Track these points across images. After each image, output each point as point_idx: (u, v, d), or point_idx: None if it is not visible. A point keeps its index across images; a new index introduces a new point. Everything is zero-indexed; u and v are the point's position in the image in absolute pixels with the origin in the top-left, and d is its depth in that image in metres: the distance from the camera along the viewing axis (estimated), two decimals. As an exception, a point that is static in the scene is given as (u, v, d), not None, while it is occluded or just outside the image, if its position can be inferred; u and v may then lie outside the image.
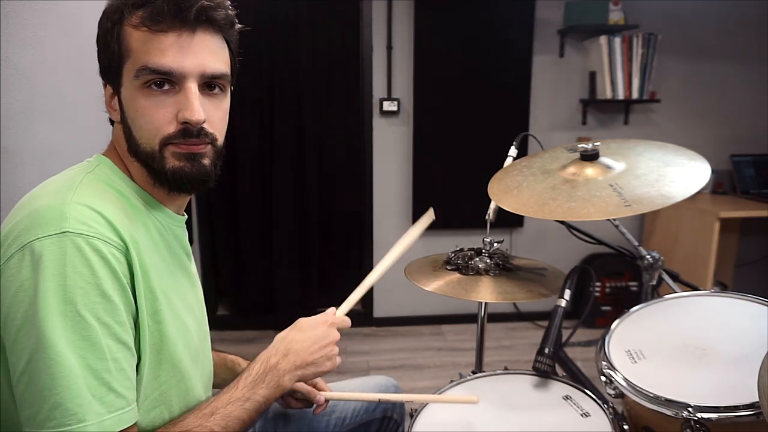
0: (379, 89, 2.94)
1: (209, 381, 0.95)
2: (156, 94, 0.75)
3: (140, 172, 0.80)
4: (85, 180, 0.74)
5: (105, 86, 0.80)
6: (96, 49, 0.79)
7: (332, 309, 0.99)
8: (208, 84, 0.78)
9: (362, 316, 3.15)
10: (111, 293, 0.67)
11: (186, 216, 0.90)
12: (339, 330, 0.96)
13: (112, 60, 0.76)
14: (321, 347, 0.90)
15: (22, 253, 0.65)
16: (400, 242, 1.07)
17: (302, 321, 0.93)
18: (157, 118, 0.75)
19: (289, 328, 0.93)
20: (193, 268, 0.93)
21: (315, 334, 0.91)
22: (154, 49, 0.73)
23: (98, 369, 0.65)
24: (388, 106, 2.93)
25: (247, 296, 3.12)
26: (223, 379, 1.06)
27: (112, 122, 0.83)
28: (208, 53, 0.76)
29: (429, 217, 1.17)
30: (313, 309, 3.12)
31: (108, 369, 0.66)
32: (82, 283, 0.65)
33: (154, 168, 0.77)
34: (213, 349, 1.07)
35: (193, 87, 0.75)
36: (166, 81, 0.74)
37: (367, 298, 3.14)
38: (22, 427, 0.65)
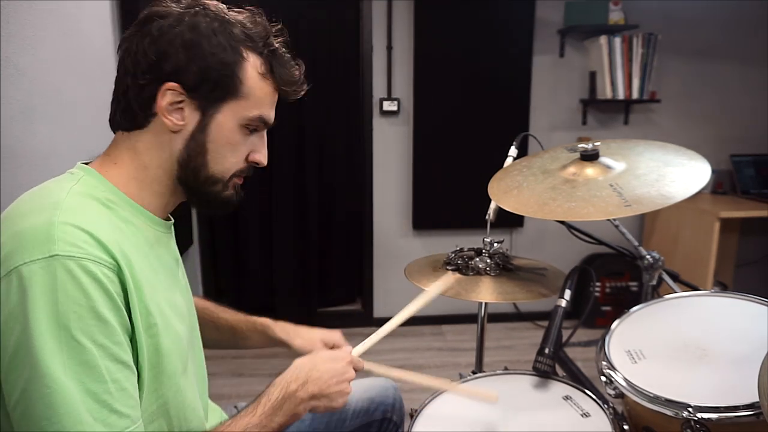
0: (379, 89, 2.94)
1: (204, 386, 0.94)
2: (247, 135, 0.82)
3: (162, 178, 0.79)
4: (69, 195, 0.71)
5: (167, 89, 0.75)
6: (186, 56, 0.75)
7: (349, 347, 1.00)
8: None
9: (362, 316, 3.15)
10: (106, 314, 0.66)
11: (173, 220, 0.88)
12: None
13: (217, 87, 0.76)
14: (338, 382, 0.90)
15: (8, 279, 0.63)
16: (421, 296, 1.10)
17: (323, 352, 0.95)
18: (240, 154, 0.82)
19: (308, 355, 0.94)
20: (182, 274, 0.92)
21: (335, 367, 0.91)
22: (269, 104, 0.82)
23: (98, 392, 0.65)
24: (388, 106, 2.93)
25: (247, 296, 3.13)
26: (256, 341, 1.13)
27: (133, 125, 0.78)
28: None
29: (449, 278, 1.22)
30: (313, 309, 3.12)
31: (108, 390, 0.65)
32: (76, 306, 0.64)
33: (208, 191, 0.82)
34: (241, 312, 1.14)
35: (265, 135, 0.85)
36: (256, 127, 0.83)
37: (367, 298, 3.15)
38: None
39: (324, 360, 0.92)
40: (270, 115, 0.82)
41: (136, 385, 0.71)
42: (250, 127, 0.81)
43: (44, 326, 0.62)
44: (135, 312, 0.71)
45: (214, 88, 0.76)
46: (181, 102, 0.76)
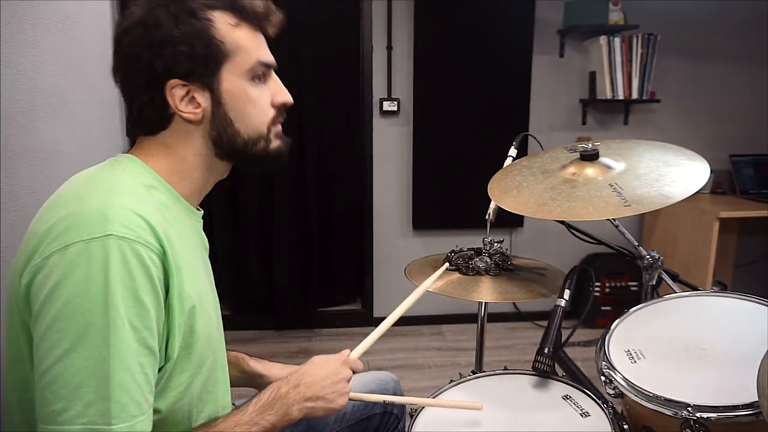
0: (379, 89, 2.94)
1: (226, 368, 0.95)
2: (259, 85, 0.84)
3: (200, 164, 0.83)
4: (121, 180, 0.75)
5: (171, 88, 0.77)
6: (159, 50, 0.76)
7: (347, 350, 0.98)
8: None
9: (362, 316, 3.15)
10: (144, 298, 0.68)
11: (202, 211, 0.91)
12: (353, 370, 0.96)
13: (208, 58, 0.78)
14: (333, 383, 0.89)
15: (62, 253, 0.66)
16: (416, 290, 1.13)
17: (317, 357, 0.94)
18: (264, 104, 0.84)
19: (304, 364, 0.93)
20: (209, 263, 0.95)
21: (327, 369, 0.91)
22: (259, 46, 0.83)
23: (132, 371, 0.66)
24: (388, 106, 2.93)
25: (247, 296, 3.13)
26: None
27: (157, 130, 0.81)
28: None
29: (444, 268, 1.27)
30: (313, 309, 3.12)
31: (136, 372, 0.67)
32: (121, 286, 0.66)
33: (255, 153, 0.84)
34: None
35: (276, 77, 0.87)
36: (264, 74, 0.84)
37: (367, 298, 3.15)
38: (40, 423, 0.65)
39: (316, 364, 0.92)
40: (266, 56, 0.83)
41: (156, 372, 0.72)
42: (256, 77, 0.82)
43: (94, 300, 0.65)
44: (173, 296, 0.73)
45: (206, 63, 0.78)
46: (188, 91, 0.78)
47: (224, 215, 3.02)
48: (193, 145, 0.82)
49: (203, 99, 0.79)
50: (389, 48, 2.89)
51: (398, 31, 2.89)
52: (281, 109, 0.87)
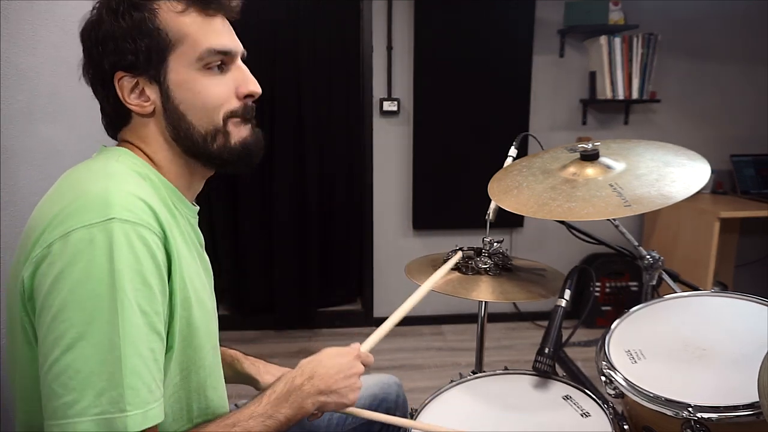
0: (379, 89, 2.94)
1: (220, 364, 0.94)
2: (215, 75, 0.79)
3: (173, 160, 0.81)
4: (118, 167, 0.74)
5: (118, 80, 0.77)
6: (107, 47, 0.76)
7: (357, 344, 0.96)
8: None
9: (362, 316, 3.15)
10: (151, 281, 0.67)
11: (198, 207, 0.90)
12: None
13: (151, 49, 0.75)
14: (346, 376, 0.87)
15: (65, 240, 0.65)
16: (428, 281, 1.13)
17: (329, 349, 0.92)
18: (220, 95, 0.79)
19: (314, 354, 0.91)
20: (206, 258, 0.93)
21: (341, 362, 0.89)
22: (211, 32, 0.78)
23: (143, 356, 0.65)
24: (388, 106, 2.93)
25: (247, 296, 3.13)
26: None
27: (121, 121, 0.81)
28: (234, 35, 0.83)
29: (457, 257, 1.27)
30: (313, 309, 3.12)
31: (147, 358, 0.66)
32: (127, 269, 0.65)
33: (214, 148, 0.80)
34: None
35: (243, 65, 0.82)
36: (222, 62, 0.79)
37: (367, 298, 3.15)
38: (48, 420, 0.64)
39: (330, 356, 0.90)
40: (221, 42, 0.78)
41: (164, 358, 0.71)
42: (210, 66, 0.78)
43: (99, 285, 0.63)
44: (174, 282, 0.72)
45: (148, 55, 0.76)
46: (137, 84, 0.77)
47: (224, 215, 3.02)
48: (156, 140, 0.81)
49: (152, 92, 0.78)
50: (389, 48, 2.89)
51: (398, 31, 2.89)
52: (246, 102, 0.82)
